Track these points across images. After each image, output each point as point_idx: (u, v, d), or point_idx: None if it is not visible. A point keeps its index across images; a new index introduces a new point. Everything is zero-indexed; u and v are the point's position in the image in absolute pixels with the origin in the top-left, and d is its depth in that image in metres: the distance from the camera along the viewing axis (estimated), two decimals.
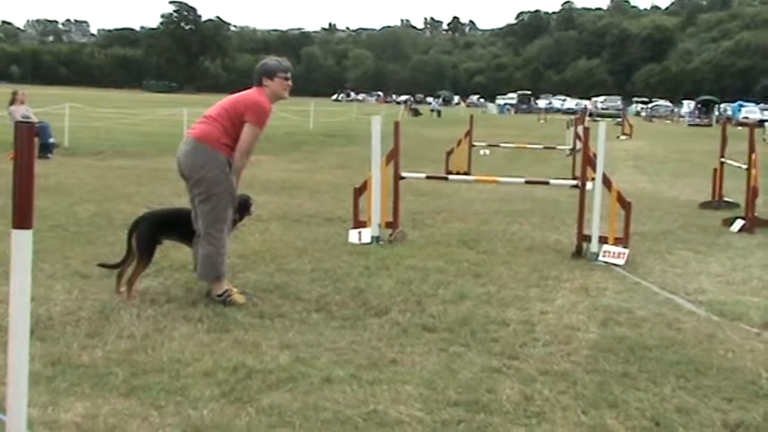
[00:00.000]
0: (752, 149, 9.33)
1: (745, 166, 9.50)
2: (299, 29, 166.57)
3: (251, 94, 5.29)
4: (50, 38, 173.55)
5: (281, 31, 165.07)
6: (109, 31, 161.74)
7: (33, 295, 2.74)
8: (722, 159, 11.08)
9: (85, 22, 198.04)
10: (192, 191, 5.20)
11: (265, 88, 5.31)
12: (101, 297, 5.22)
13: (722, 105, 63.24)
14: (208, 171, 5.08)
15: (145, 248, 5.25)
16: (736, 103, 61.38)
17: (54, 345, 4.22)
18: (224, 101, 5.34)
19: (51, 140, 15.25)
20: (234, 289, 5.25)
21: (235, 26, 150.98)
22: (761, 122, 40.11)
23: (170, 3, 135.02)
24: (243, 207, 5.60)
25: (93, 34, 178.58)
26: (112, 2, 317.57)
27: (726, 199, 10.97)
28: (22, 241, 2.01)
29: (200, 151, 5.10)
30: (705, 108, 64.17)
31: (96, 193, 10.40)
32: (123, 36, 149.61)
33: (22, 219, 1.99)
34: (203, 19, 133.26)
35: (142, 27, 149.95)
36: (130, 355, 4.12)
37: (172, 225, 5.51)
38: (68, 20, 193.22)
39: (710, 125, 51.56)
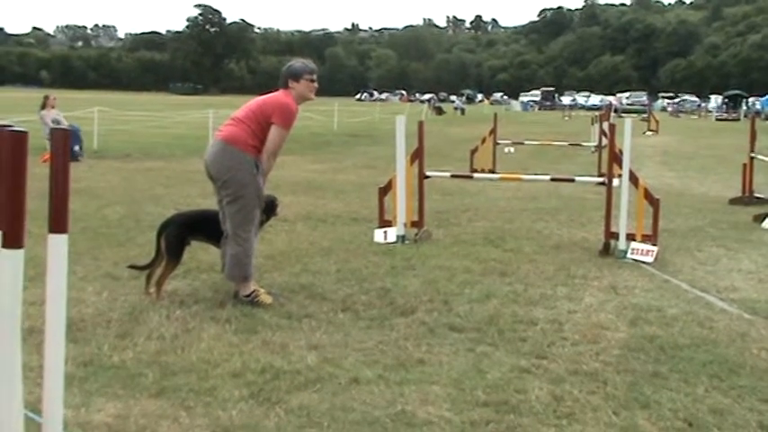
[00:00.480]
0: None
1: None
2: (323, 29, 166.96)
3: (277, 96, 5.32)
4: (80, 43, 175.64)
5: (305, 32, 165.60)
6: (136, 35, 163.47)
7: (66, 297, 2.77)
8: (752, 154, 10.93)
9: (113, 26, 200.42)
10: (220, 192, 5.23)
11: (291, 90, 5.33)
12: (130, 298, 5.27)
13: (750, 99, 62.33)
14: (236, 173, 5.12)
15: (173, 250, 5.29)
16: (765, 97, 60.43)
17: (86, 346, 4.27)
18: (251, 103, 5.37)
19: (76, 148, 15.37)
20: (261, 289, 5.27)
21: (259, 28, 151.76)
22: None
23: (195, 6, 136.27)
24: (269, 208, 5.63)
25: (120, 39, 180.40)
26: (139, 7, 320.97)
27: (756, 195, 10.82)
28: (57, 245, 2.03)
29: (228, 153, 5.14)
30: (733, 102, 63.30)
31: (125, 195, 10.52)
32: (150, 40, 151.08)
33: (57, 223, 2.02)
34: (228, 21, 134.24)
35: (168, 31, 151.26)
36: (160, 356, 4.15)
37: (200, 226, 5.55)
38: (96, 25, 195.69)
39: (739, 119, 50.86)
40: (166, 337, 4.46)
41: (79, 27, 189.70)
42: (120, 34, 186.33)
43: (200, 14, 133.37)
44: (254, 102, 5.36)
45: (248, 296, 5.18)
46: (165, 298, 5.23)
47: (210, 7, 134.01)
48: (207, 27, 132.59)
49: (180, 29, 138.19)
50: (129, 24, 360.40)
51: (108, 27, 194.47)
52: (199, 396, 3.64)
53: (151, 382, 3.79)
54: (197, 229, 5.50)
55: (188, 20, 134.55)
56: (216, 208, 5.47)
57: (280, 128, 5.18)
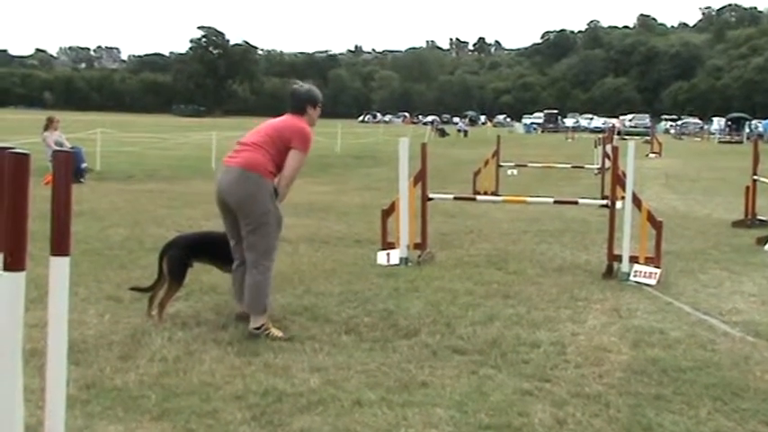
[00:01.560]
0: None
1: None
2: (326, 51, 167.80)
3: (294, 120, 5.23)
4: (83, 64, 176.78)
5: (308, 54, 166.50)
6: (139, 56, 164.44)
7: (68, 319, 2.76)
8: (755, 177, 10.93)
9: (116, 48, 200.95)
10: (240, 221, 5.07)
11: (306, 116, 5.30)
12: (133, 320, 5.27)
13: (753, 122, 62.43)
14: (259, 202, 5.00)
15: (176, 272, 5.30)
16: (767, 120, 60.54)
17: (88, 368, 4.27)
18: (264, 128, 5.23)
19: (84, 165, 15.50)
20: (270, 324, 5.09)
21: (262, 50, 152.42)
22: None
23: (198, 28, 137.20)
24: None
25: (123, 60, 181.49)
26: (143, 29, 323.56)
27: (759, 217, 10.81)
28: (59, 267, 2.04)
29: (250, 181, 4.99)
30: (736, 125, 63.40)
31: (128, 216, 10.54)
32: (153, 61, 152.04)
33: (60, 245, 2.03)
34: (231, 43, 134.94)
35: (171, 52, 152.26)
36: (162, 379, 4.15)
37: (202, 248, 5.57)
38: (100, 46, 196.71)
39: (741, 142, 50.92)
40: (168, 360, 4.46)
41: (82, 48, 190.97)
42: (124, 56, 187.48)
43: (203, 36, 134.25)
44: (269, 126, 5.24)
45: (258, 329, 5.01)
46: (167, 320, 5.23)
47: (214, 29, 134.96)
48: (210, 49, 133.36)
49: (183, 51, 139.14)
50: (132, 46, 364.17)
51: (111, 49, 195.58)
52: (201, 419, 3.63)
53: (153, 404, 3.79)
54: (199, 251, 5.52)
55: (191, 41, 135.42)
56: (219, 230, 5.48)
57: (300, 152, 5.11)
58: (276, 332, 5.04)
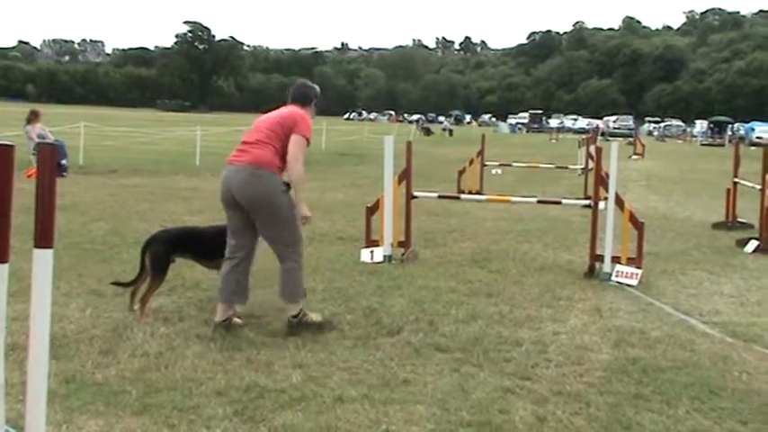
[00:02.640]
0: (766, 170, 9.28)
1: (758, 187, 9.46)
2: (312, 48, 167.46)
3: (296, 111, 5.23)
4: (66, 57, 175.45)
5: (294, 51, 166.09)
6: (123, 50, 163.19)
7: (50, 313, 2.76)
8: (735, 180, 11.04)
9: (101, 41, 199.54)
10: (255, 218, 5.08)
11: (308, 109, 5.33)
12: (114, 315, 5.25)
13: (735, 125, 63.02)
14: (273, 197, 5.02)
15: (158, 267, 5.28)
16: (749, 124, 61.12)
17: (68, 362, 4.25)
18: (266, 123, 5.21)
19: (64, 162, 15.32)
20: (307, 311, 5.17)
21: (248, 46, 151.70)
22: None
23: (184, 23, 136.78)
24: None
25: (108, 54, 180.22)
26: (127, 22, 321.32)
27: (739, 219, 10.91)
28: (43, 260, 2.04)
29: (262, 178, 5.00)
30: (718, 128, 64.01)
31: (110, 211, 10.48)
32: (138, 56, 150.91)
33: (43, 238, 2.02)
34: (217, 39, 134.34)
35: (156, 47, 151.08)
36: (144, 374, 4.14)
37: (185, 243, 5.55)
38: (84, 40, 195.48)
39: (723, 145, 51.36)
40: (150, 355, 4.45)
41: (66, 41, 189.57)
42: (108, 49, 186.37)
43: (189, 31, 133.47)
44: (270, 120, 5.21)
45: (296, 316, 5.08)
46: (149, 315, 5.21)
47: (200, 24, 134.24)
48: (196, 44, 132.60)
49: (169, 45, 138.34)
50: (116, 40, 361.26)
51: (96, 42, 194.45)
52: (182, 414, 3.62)
53: (134, 399, 3.77)
54: (182, 247, 5.50)
55: (177, 36, 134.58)
56: (202, 226, 5.46)
57: (300, 136, 5.06)
58: (314, 317, 5.12)
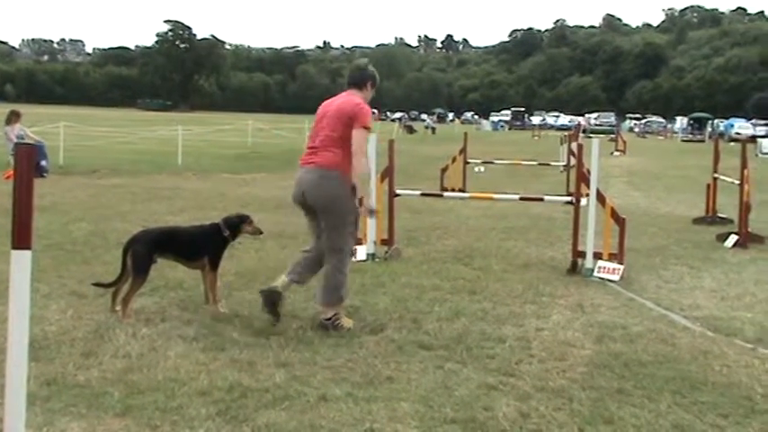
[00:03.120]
0: (744, 165, 9.38)
1: (737, 182, 9.55)
2: (294, 47, 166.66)
3: (351, 97, 5.29)
4: (45, 57, 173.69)
5: (276, 50, 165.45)
6: (104, 50, 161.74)
7: (29, 315, 2.73)
8: (715, 175, 11.15)
9: (81, 41, 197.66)
10: (320, 218, 5.23)
11: (364, 92, 5.39)
12: (96, 316, 5.21)
13: (715, 121, 63.57)
14: (340, 201, 5.16)
15: (140, 267, 5.25)
16: (728, 120, 61.67)
17: (49, 364, 4.21)
18: (327, 120, 5.27)
19: (44, 163, 15.17)
20: (341, 312, 5.23)
21: (230, 44, 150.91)
22: (753, 138, 40.33)
23: (165, 22, 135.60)
24: (235, 226, 5.61)
25: (88, 53, 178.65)
26: (108, 21, 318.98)
27: (719, 214, 11.02)
28: (21, 261, 2.02)
29: (332, 181, 5.14)
30: (698, 124, 64.49)
31: (91, 211, 10.40)
32: (118, 55, 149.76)
33: (21, 238, 2.01)
34: (198, 37, 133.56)
35: (137, 46, 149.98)
36: (126, 375, 4.11)
37: (167, 243, 5.52)
38: (63, 39, 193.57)
39: (703, 141, 51.80)
40: (132, 356, 4.42)
41: (45, 41, 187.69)
42: (88, 49, 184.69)
43: (170, 30, 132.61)
44: (330, 117, 5.25)
45: (329, 319, 5.13)
46: (131, 316, 5.18)
47: (181, 23, 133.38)
48: (177, 43, 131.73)
49: (149, 44, 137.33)
50: (97, 39, 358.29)
51: (75, 41, 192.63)
52: (165, 415, 3.60)
53: (116, 400, 3.75)
54: (164, 247, 5.47)
55: (158, 35, 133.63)
56: (184, 226, 5.43)
57: (360, 129, 5.13)
58: (346, 322, 5.16)
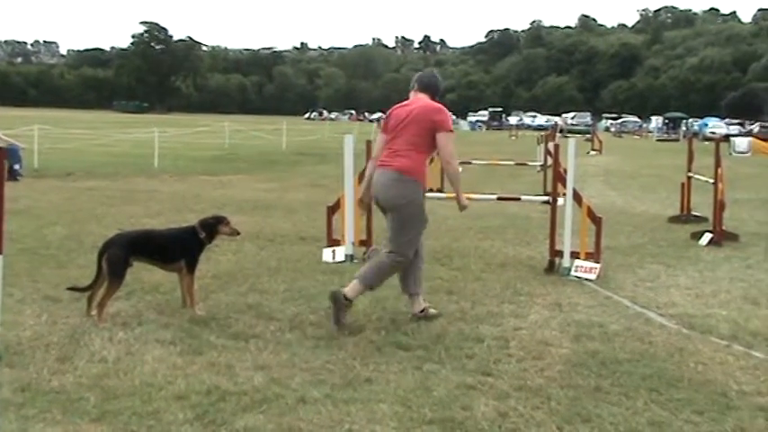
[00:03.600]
0: (718, 164, 9.49)
1: (711, 181, 9.65)
2: (271, 48, 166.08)
3: (429, 104, 5.45)
4: (19, 59, 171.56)
5: (253, 51, 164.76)
6: (78, 51, 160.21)
7: (2, 320, 2.70)
8: (689, 174, 11.26)
9: (55, 42, 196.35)
10: (389, 216, 5.43)
11: (437, 99, 5.58)
12: (71, 321, 5.15)
13: (689, 121, 64.26)
14: (411, 204, 5.33)
15: (116, 271, 5.20)
16: (703, 119, 62.37)
17: (23, 370, 4.16)
18: (407, 126, 5.36)
19: (17, 167, 14.99)
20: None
21: (206, 46, 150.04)
22: (726, 137, 40.81)
23: (141, 23, 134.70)
24: (211, 228, 5.57)
25: (62, 55, 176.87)
26: (82, 22, 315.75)
27: (694, 213, 11.13)
28: None
29: (406, 184, 5.31)
30: (672, 124, 65.17)
31: (66, 215, 10.29)
32: (93, 56, 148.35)
33: None
34: (174, 39, 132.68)
35: (112, 47, 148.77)
36: (102, 380, 4.07)
37: (143, 246, 5.47)
38: (37, 41, 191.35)
39: (678, 140, 52.31)
40: (108, 360, 4.38)
41: (19, 42, 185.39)
42: (63, 50, 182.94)
43: (145, 31, 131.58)
44: (413, 123, 5.35)
45: (423, 311, 5.44)
46: (107, 320, 5.13)
47: (157, 24, 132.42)
48: (153, 44, 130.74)
49: (125, 46, 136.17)
50: (71, 41, 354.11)
51: (49, 43, 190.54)
52: (142, 420, 3.57)
53: (92, 406, 3.71)
54: (140, 250, 5.42)
55: (133, 37, 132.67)
56: (160, 229, 5.40)
57: (446, 133, 5.34)
58: (349, 291, 5.28)
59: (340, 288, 5.35)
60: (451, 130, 5.40)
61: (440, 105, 5.43)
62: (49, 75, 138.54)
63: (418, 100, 5.50)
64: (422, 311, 5.45)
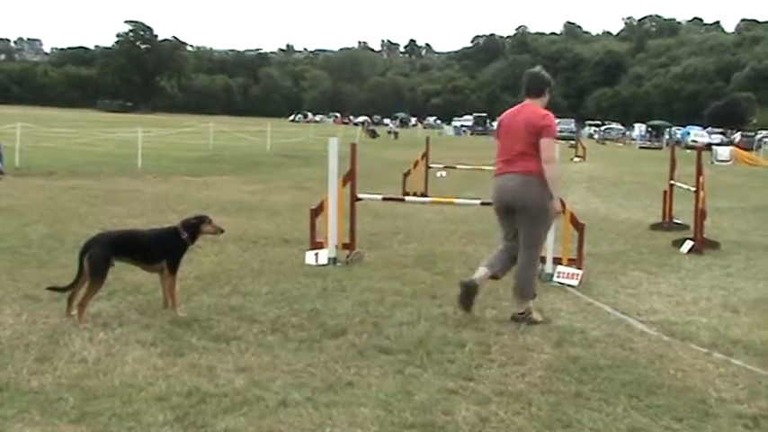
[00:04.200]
0: (699, 172, 9.57)
1: (693, 189, 9.73)
2: (257, 49, 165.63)
3: (533, 108, 5.74)
4: (2, 56, 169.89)
5: (239, 52, 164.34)
6: (62, 49, 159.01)
7: None
8: (672, 182, 11.35)
9: (38, 40, 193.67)
10: (520, 217, 5.73)
11: (542, 99, 5.82)
12: (51, 321, 5.11)
13: (672, 129, 64.77)
14: (542, 201, 5.64)
15: (97, 271, 5.15)
16: (686, 128, 62.88)
17: (2, 370, 4.12)
18: (519, 133, 5.69)
19: None
20: (533, 311, 5.69)
21: (191, 46, 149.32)
22: (708, 146, 41.19)
23: (126, 22, 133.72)
24: (194, 229, 5.55)
25: (46, 53, 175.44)
26: (66, 20, 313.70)
27: (676, 220, 11.22)
28: None
29: (534, 184, 5.63)
30: (655, 131, 65.66)
31: (48, 214, 10.20)
32: (77, 55, 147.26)
33: None
34: (160, 38, 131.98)
35: (96, 46, 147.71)
36: (81, 381, 4.03)
37: (125, 246, 5.44)
38: (21, 38, 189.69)
39: (661, 148, 52.73)
40: (89, 361, 4.34)
41: (2, 40, 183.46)
42: (47, 48, 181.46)
43: (130, 30, 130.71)
44: (524, 132, 5.67)
45: (522, 314, 5.63)
46: (87, 320, 5.09)
47: (142, 23, 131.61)
48: (138, 44, 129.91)
49: (109, 45, 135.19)
50: (55, 38, 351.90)
51: (33, 40, 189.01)
52: (122, 421, 3.55)
53: (71, 407, 3.68)
54: (122, 250, 5.38)
55: (118, 35, 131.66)
56: (142, 229, 5.37)
57: (549, 139, 5.62)
58: (537, 317, 5.65)
59: (515, 313, 5.67)
60: (555, 136, 5.69)
61: (545, 112, 5.72)
62: (33, 72, 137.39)
63: (527, 106, 5.79)
64: (523, 313, 5.68)
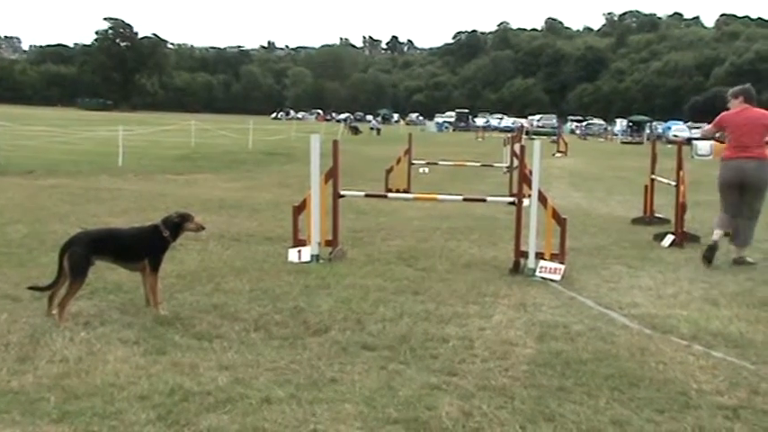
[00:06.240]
0: (680, 167, 9.64)
1: (674, 183, 9.81)
2: (238, 47, 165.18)
3: (761, 111, 8.11)
4: None
5: (220, 49, 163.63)
6: (41, 47, 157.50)
7: None
8: (653, 176, 11.43)
9: (17, 37, 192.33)
10: (752, 194, 8.08)
11: (753, 104, 8.25)
12: (32, 320, 5.07)
13: (653, 124, 65.25)
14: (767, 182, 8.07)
15: (78, 270, 5.12)
16: (666, 123, 63.35)
17: None
18: (754, 126, 8.05)
19: None
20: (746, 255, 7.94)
21: (172, 44, 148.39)
22: (689, 140, 41.49)
23: (105, 19, 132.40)
24: (176, 226, 5.52)
25: (24, 51, 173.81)
26: (45, 18, 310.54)
27: (656, 215, 11.30)
28: None
29: (766, 168, 8.00)
30: (637, 127, 66.12)
31: (28, 213, 10.11)
32: (56, 53, 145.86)
33: None
34: (140, 36, 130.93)
35: (76, 44, 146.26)
36: (63, 380, 4.01)
37: (105, 245, 5.40)
38: None
39: (642, 143, 53.09)
40: (70, 360, 4.31)
41: None
42: (25, 46, 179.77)
43: (110, 28, 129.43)
44: (758, 125, 8.02)
45: (742, 257, 8.06)
46: (68, 320, 5.05)
47: (121, 21, 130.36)
48: (117, 41, 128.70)
49: (89, 42, 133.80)
50: (34, 36, 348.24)
51: (11, 38, 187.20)
52: (104, 420, 3.53)
53: (53, 407, 3.66)
54: (103, 249, 5.34)
55: (97, 33, 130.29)
56: (123, 227, 5.33)
57: None
58: (749, 259, 8.07)
59: (735, 257, 8.03)
60: None
61: (765, 111, 8.08)
62: (11, 71, 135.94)
63: (749, 108, 8.15)
64: (741, 257, 8.04)
